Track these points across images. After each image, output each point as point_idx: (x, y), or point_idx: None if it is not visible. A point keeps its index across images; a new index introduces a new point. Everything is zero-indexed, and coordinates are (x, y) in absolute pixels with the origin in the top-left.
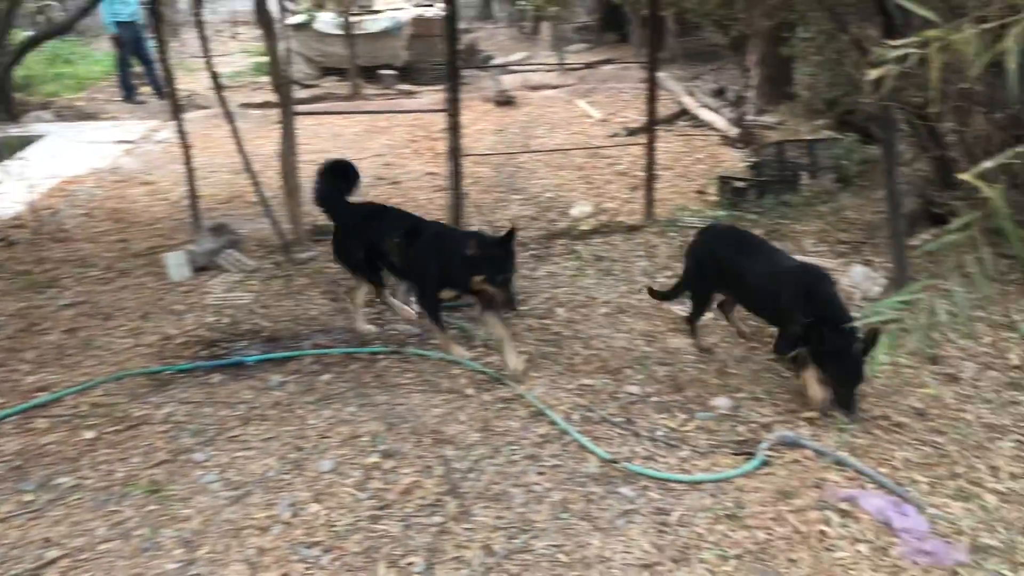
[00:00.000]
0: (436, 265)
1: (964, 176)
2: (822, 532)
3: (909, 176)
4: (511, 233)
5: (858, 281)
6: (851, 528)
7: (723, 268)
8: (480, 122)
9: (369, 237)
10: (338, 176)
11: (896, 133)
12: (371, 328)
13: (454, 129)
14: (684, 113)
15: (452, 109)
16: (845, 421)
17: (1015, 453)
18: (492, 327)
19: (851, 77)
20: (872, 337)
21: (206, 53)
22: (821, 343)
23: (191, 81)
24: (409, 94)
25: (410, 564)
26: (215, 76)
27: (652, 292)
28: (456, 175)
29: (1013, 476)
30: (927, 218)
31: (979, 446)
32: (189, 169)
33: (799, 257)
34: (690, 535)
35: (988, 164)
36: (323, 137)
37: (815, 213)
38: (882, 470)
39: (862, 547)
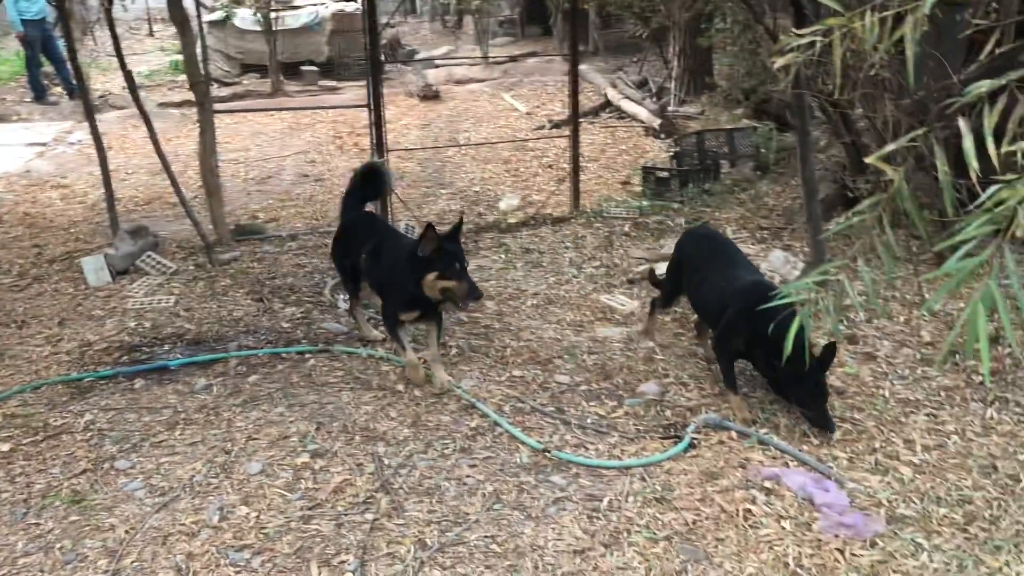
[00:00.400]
0: (395, 281)
1: (869, 159)
2: (748, 511)
3: (824, 162)
4: (458, 225)
5: (777, 266)
6: (775, 505)
7: (687, 271)
8: (405, 117)
9: (350, 247)
10: (367, 181)
11: (810, 120)
12: (378, 334)
13: (378, 125)
14: (608, 105)
15: (375, 104)
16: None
17: (928, 426)
18: (429, 346)
19: (766, 66)
20: (830, 350)
21: (119, 51)
22: (775, 374)
23: (105, 80)
24: (332, 90)
25: (343, 563)
26: (128, 75)
27: (652, 277)
28: None
29: (926, 448)
30: (843, 202)
31: (895, 421)
32: (105, 171)
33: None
34: (620, 519)
35: (890, 147)
36: (244, 135)
37: (736, 201)
38: (804, 448)
39: (786, 523)
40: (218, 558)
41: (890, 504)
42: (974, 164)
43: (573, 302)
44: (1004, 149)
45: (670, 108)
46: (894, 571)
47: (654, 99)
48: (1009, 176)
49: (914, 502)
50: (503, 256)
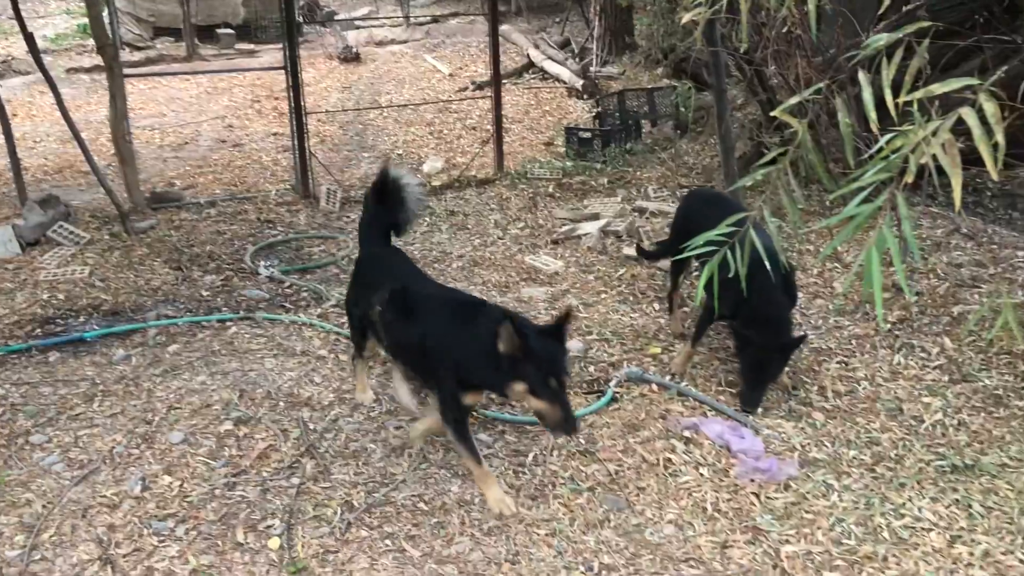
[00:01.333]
0: (450, 360)
1: (775, 112)
2: (668, 460)
3: (741, 120)
4: (565, 318)
5: None
6: (694, 454)
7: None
8: (325, 80)
9: (361, 294)
10: (384, 199)
11: (726, 79)
12: (414, 409)
13: (295, 87)
14: (531, 66)
15: (292, 67)
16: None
17: (839, 373)
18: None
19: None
20: (797, 341)
21: (17, 13)
22: (748, 344)
23: (8, 45)
24: (249, 53)
25: (269, 527)
26: (29, 38)
27: (639, 249)
28: (300, 135)
29: (838, 395)
30: (759, 159)
31: (808, 369)
32: (9, 139)
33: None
34: (545, 473)
35: (794, 100)
36: (159, 101)
37: (657, 160)
38: (721, 398)
39: (704, 470)
40: (140, 528)
41: (803, 448)
42: (873, 115)
43: (499, 263)
44: (901, 99)
45: (592, 68)
46: (806, 512)
47: (576, 60)
48: (904, 126)
49: (826, 446)
50: (427, 219)
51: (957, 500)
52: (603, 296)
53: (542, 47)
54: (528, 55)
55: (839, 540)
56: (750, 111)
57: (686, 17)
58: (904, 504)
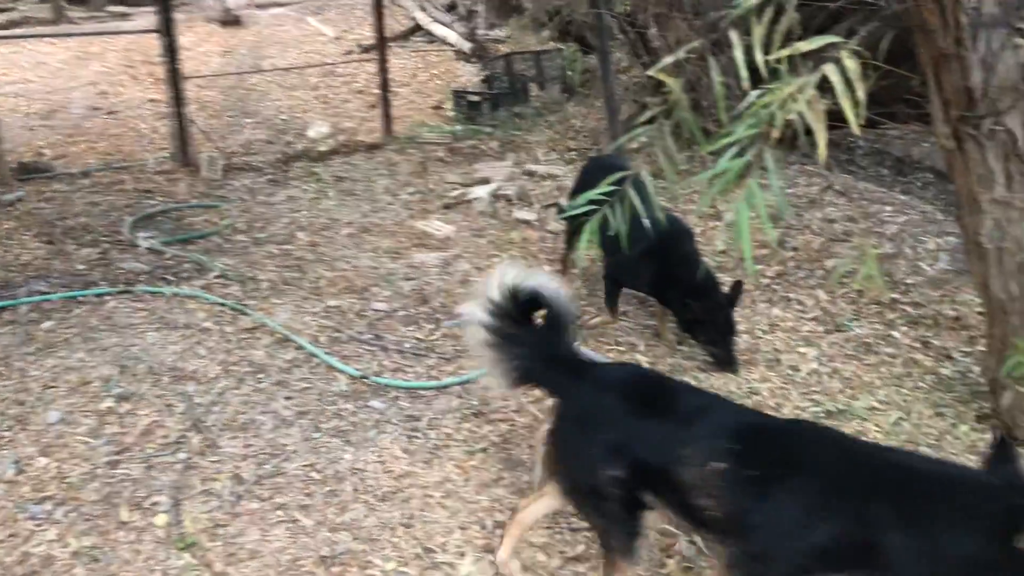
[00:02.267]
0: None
1: (650, 72)
2: None
3: (626, 83)
4: None
5: None
6: None
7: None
8: (205, 44)
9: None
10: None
11: (609, 41)
12: None
13: (171, 51)
14: (418, 29)
15: (167, 30)
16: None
17: None
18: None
19: None
20: (737, 288)
21: None
22: (689, 313)
23: None
24: (122, 16)
25: (155, 504)
26: None
27: (560, 209)
28: (178, 101)
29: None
30: (644, 122)
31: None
32: None
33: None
34: (439, 436)
35: (669, 60)
36: (24, 67)
37: (545, 123)
38: (610, 354)
39: None
40: (15, 513)
41: None
42: (744, 74)
43: (389, 229)
44: (772, 57)
45: (480, 31)
46: None
47: (464, 23)
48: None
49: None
50: (315, 186)
51: None
52: (495, 260)
53: (429, 10)
54: (415, 18)
55: None
56: (635, 74)
57: None
58: None
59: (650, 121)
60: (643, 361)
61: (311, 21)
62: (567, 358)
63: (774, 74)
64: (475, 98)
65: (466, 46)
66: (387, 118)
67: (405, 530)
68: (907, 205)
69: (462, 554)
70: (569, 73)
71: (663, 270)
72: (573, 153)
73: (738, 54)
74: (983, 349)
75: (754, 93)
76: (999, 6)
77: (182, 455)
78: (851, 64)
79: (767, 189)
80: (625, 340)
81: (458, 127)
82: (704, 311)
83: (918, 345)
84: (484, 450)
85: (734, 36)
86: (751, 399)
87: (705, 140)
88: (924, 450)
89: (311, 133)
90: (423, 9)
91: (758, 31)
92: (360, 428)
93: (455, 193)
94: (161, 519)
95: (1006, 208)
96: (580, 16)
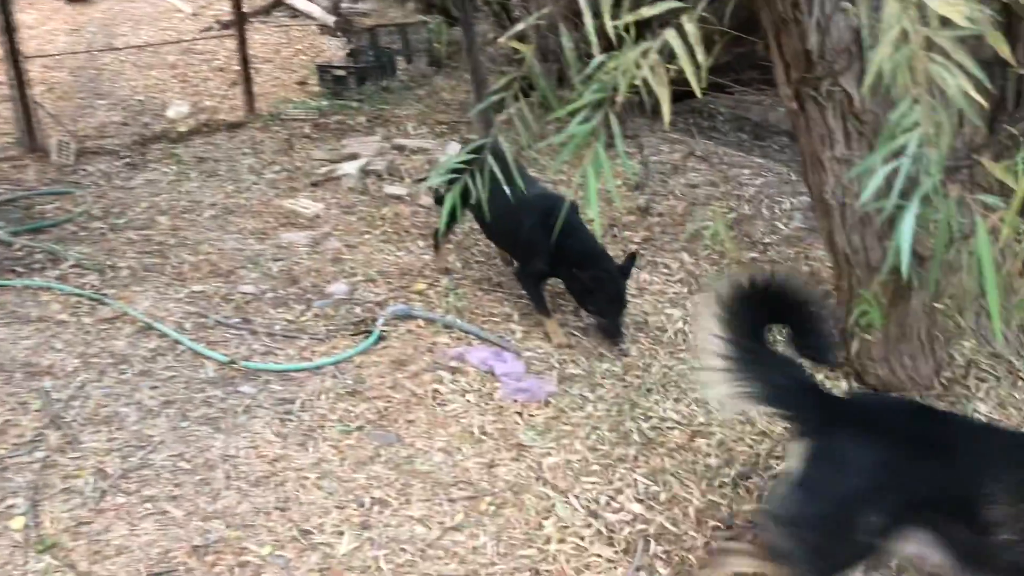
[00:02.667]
0: None
1: (501, 40)
2: (436, 391)
3: (492, 55)
4: None
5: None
6: (460, 382)
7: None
8: (50, 22)
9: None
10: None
11: (473, 13)
12: None
13: (9, 30)
14: (280, 3)
15: (3, 6)
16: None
17: None
18: None
19: None
20: (630, 259)
21: None
22: (580, 284)
23: None
24: None
25: (11, 507)
26: None
27: (437, 194)
28: (20, 83)
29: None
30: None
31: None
32: None
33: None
34: (313, 418)
35: (520, 27)
36: None
37: (414, 97)
38: (485, 326)
39: (471, 396)
40: None
41: (560, 366)
42: (594, 39)
43: (255, 210)
44: (622, 22)
45: (344, 5)
46: (564, 424)
47: None
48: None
49: (581, 361)
50: (175, 168)
51: (696, 399)
52: (367, 237)
53: None
54: None
55: (595, 447)
56: (500, 45)
57: None
58: (651, 408)
59: (506, 88)
60: (517, 331)
61: None
62: (815, 386)
63: (621, 40)
64: (341, 72)
65: (330, 20)
66: (249, 95)
67: (281, 513)
68: (764, 168)
69: (340, 533)
70: (436, 46)
71: (550, 242)
72: (443, 127)
73: (588, 20)
74: (833, 302)
75: (600, 58)
76: None
77: (39, 454)
78: (692, 29)
79: (617, 155)
80: (500, 311)
81: (324, 103)
82: (592, 281)
83: None
84: (360, 428)
85: (583, 2)
86: (621, 360)
87: (560, 105)
88: None
89: (170, 113)
90: None
91: None
92: (230, 414)
93: (323, 170)
94: (18, 522)
95: (846, 165)
96: None
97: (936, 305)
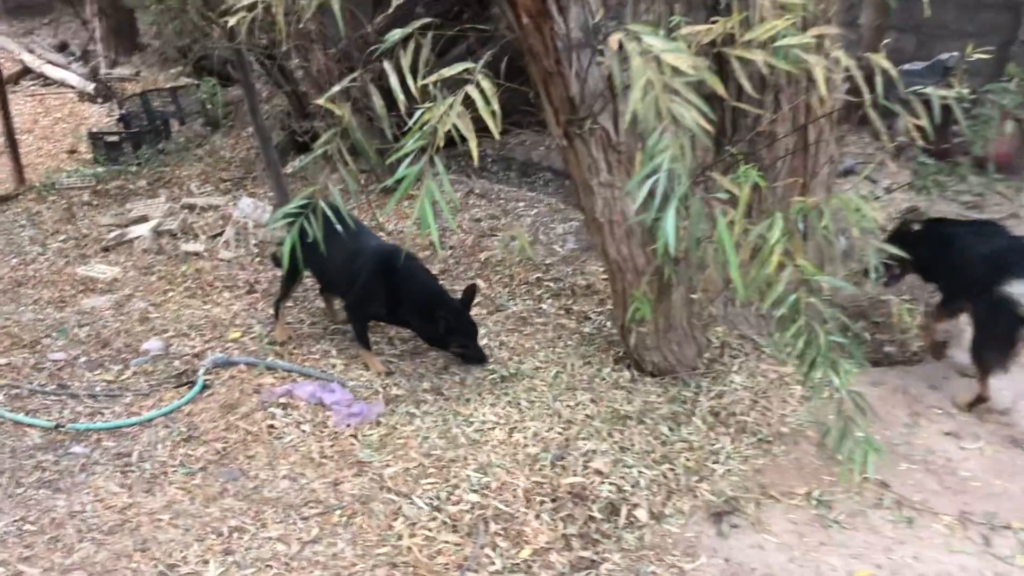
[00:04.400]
0: None
1: (319, 101)
2: (271, 426)
3: (270, 112)
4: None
5: (248, 212)
6: (293, 415)
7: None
8: None
9: None
10: None
11: (252, 74)
12: None
13: None
14: (28, 72)
15: None
16: (270, 333)
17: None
18: None
19: (196, 24)
20: (471, 291)
21: None
22: (431, 331)
23: None
24: None
25: None
26: None
27: (275, 258)
28: None
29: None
30: (294, 147)
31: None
32: None
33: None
34: (155, 466)
35: (335, 89)
36: None
37: (194, 157)
38: (306, 363)
39: (305, 427)
40: None
41: (385, 390)
42: (401, 97)
43: (47, 279)
44: (420, 83)
45: (103, 71)
46: (398, 439)
47: (81, 63)
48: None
49: (403, 382)
50: None
51: (509, 401)
52: (171, 294)
53: (38, 51)
54: (22, 60)
55: (428, 453)
56: (277, 103)
57: (232, 20)
58: (472, 414)
59: (304, 147)
60: (338, 364)
61: None
62: None
63: (425, 95)
64: (114, 138)
65: (89, 86)
66: (17, 167)
67: (142, 554)
68: (536, 200)
69: (206, 562)
70: (209, 107)
71: (395, 292)
72: (227, 183)
73: (393, 80)
74: (611, 307)
75: (420, 110)
76: (582, 32)
77: None
78: (487, 84)
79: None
80: (318, 348)
81: (100, 169)
82: (442, 324)
83: (562, 312)
84: (203, 468)
85: (388, 65)
86: (439, 377)
87: (376, 157)
88: (580, 392)
89: None
90: (31, 51)
91: (406, 60)
92: (67, 474)
93: (113, 235)
94: None
95: (610, 188)
96: (217, 52)
97: (693, 297)
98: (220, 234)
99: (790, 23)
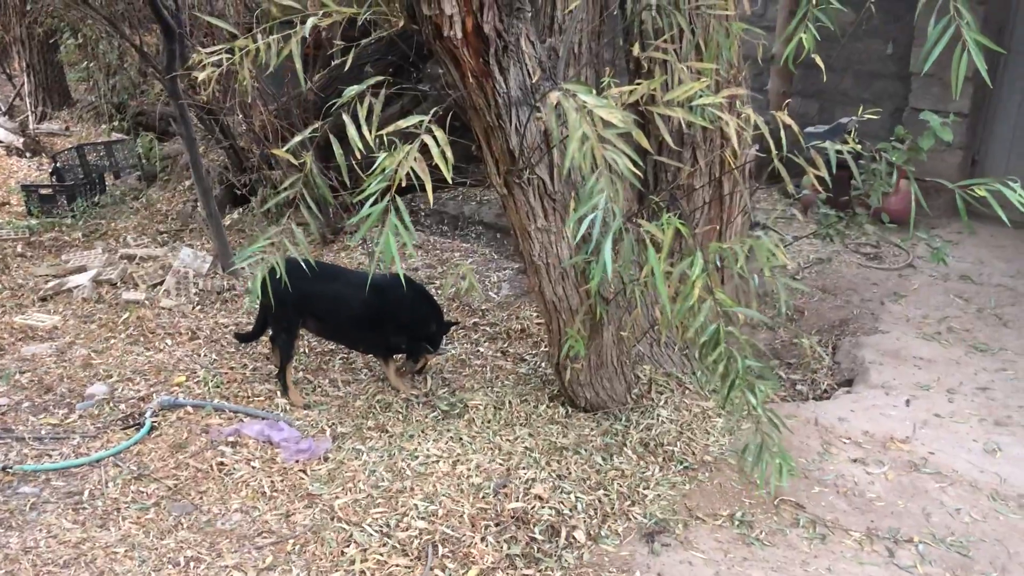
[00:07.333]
0: None
1: (276, 152)
2: (220, 463)
3: (208, 166)
4: None
5: (189, 262)
6: (242, 453)
7: (307, 297)
8: None
9: None
10: None
11: (193, 129)
12: None
13: None
14: None
15: None
16: (210, 377)
17: (343, 367)
18: None
19: (133, 81)
20: (450, 324)
21: None
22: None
23: None
24: None
25: None
26: None
27: (238, 336)
28: None
29: (346, 383)
30: (232, 200)
31: (319, 368)
32: None
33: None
34: (107, 503)
35: (296, 140)
36: None
37: (130, 209)
38: (252, 404)
39: (255, 463)
40: None
41: (331, 427)
42: (359, 145)
43: None
44: (376, 134)
45: (32, 126)
46: (346, 472)
47: (6, 117)
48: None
49: (348, 421)
50: None
51: (451, 437)
52: (113, 341)
53: None
54: None
55: (376, 485)
56: (214, 157)
57: (201, 76)
58: (416, 448)
59: (243, 200)
60: (283, 404)
61: None
62: None
63: (382, 145)
64: (47, 191)
65: (18, 141)
66: None
67: None
68: (470, 251)
69: None
70: (145, 161)
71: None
72: (165, 235)
73: (352, 131)
74: (546, 347)
75: (380, 159)
76: (520, 91)
77: None
78: (440, 134)
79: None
80: (262, 390)
81: (34, 221)
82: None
83: (499, 355)
84: (156, 504)
85: (347, 118)
86: (384, 415)
87: (333, 201)
88: (518, 427)
89: None
90: None
91: (362, 113)
92: (18, 513)
93: (50, 284)
94: None
95: (547, 234)
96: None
97: (622, 335)
98: (160, 283)
99: (704, 85)
